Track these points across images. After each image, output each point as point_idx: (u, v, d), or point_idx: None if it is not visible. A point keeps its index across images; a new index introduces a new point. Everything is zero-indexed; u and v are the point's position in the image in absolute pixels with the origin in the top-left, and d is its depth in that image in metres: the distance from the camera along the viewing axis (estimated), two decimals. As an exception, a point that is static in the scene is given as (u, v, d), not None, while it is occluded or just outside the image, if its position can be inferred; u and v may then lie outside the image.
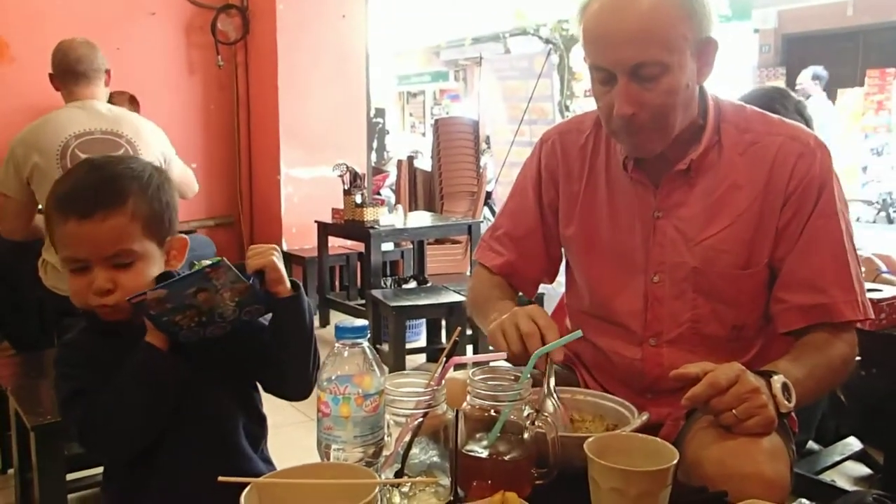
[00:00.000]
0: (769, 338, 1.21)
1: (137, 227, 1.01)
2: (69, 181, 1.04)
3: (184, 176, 2.71)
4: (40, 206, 2.37)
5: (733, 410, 0.95)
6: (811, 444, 2.17)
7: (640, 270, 1.20)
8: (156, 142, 2.52)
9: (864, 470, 2.21)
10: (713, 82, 1.19)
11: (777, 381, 0.99)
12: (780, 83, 9.72)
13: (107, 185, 1.01)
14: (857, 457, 2.18)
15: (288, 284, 1.02)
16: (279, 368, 1.07)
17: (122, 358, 0.99)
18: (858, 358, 1.15)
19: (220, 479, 0.72)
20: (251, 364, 1.07)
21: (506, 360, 1.08)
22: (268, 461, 1.13)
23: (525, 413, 0.91)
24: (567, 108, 7.81)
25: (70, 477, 1.86)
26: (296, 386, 1.08)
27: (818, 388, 1.09)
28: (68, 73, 2.46)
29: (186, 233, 4.07)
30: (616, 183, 1.23)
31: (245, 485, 0.73)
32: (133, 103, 3.72)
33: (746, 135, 1.17)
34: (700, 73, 1.13)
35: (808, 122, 1.88)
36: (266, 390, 1.12)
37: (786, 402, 0.98)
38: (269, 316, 1.06)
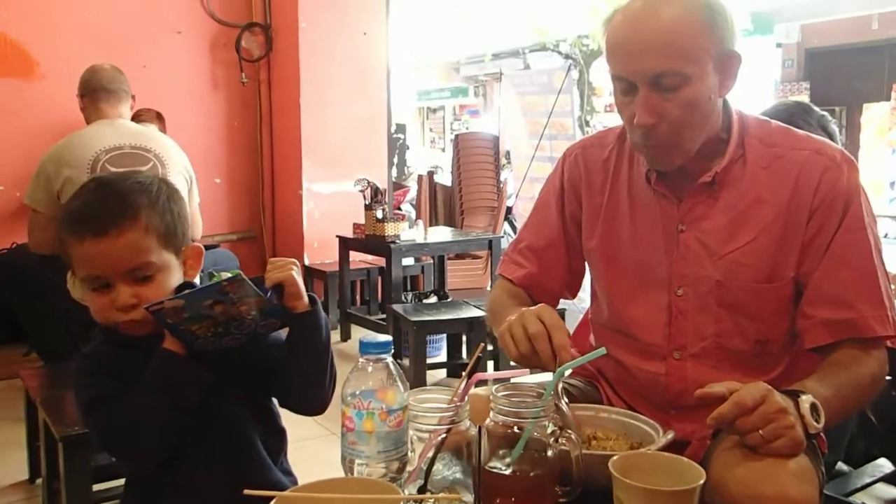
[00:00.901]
0: (795, 355, 1.20)
1: (153, 239, 1.02)
2: (78, 201, 1.05)
3: (196, 214, 2.74)
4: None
5: (760, 431, 0.93)
6: (840, 465, 2.13)
7: (663, 283, 1.20)
8: (181, 159, 2.59)
9: (895, 493, 2.16)
10: (734, 97, 1.18)
11: (805, 400, 0.97)
12: (805, 98, 9.63)
13: (117, 200, 1.02)
14: (889, 479, 2.13)
15: (306, 300, 1.03)
16: (294, 383, 1.07)
17: (141, 369, 1.00)
18: (888, 377, 1.13)
19: (247, 491, 0.72)
20: (267, 377, 1.07)
21: (514, 360, 1.07)
22: (288, 473, 1.13)
23: (549, 430, 0.90)
24: (587, 124, 7.82)
25: (96, 487, 1.88)
26: (311, 401, 1.08)
27: (846, 408, 1.07)
28: (100, 90, 2.53)
29: (210, 247, 4.13)
30: (639, 196, 1.23)
31: (269, 497, 0.73)
32: (160, 120, 3.80)
33: (771, 149, 1.16)
34: (722, 87, 1.13)
35: (831, 137, 1.85)
36: (281, 405, 1.12)
37: (814, 423, 0.96)
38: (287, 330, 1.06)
